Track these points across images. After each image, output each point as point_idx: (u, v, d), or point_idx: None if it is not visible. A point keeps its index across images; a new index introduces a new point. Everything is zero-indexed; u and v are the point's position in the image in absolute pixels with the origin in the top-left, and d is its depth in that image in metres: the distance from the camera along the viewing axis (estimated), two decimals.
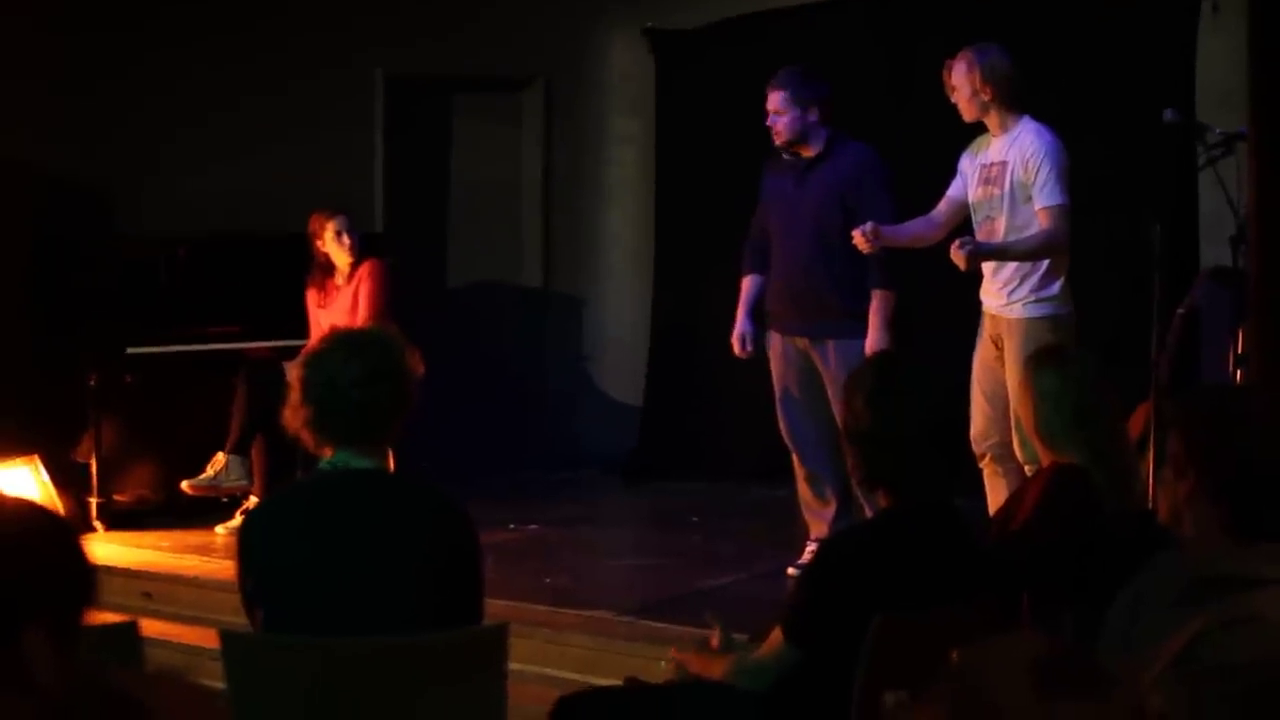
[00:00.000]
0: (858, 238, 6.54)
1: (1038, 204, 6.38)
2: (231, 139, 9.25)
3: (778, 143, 7.03)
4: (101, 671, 2.44)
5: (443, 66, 10.13)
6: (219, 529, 8.22)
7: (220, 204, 9.05)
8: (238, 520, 7.76)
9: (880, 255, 6.74)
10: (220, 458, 8.29)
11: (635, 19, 10.32)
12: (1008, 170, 6.46)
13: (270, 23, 9.48)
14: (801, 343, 7.08)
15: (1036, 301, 6.45)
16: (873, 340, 6.86)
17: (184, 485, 8.30)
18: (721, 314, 7.67)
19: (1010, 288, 6.49)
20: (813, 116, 6.97)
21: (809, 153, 7.02)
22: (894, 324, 6.89)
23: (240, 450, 8.29)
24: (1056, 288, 6.44)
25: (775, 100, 6.98)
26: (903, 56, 8.93)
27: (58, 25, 8.80)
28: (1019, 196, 6.44)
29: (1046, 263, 6.43)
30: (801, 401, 7.08)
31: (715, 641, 4.25)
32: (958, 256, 6.28)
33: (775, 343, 7.19)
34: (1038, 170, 6.37)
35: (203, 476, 8.28)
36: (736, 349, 7.24)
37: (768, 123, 7.00)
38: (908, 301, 7.01)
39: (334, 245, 8.34)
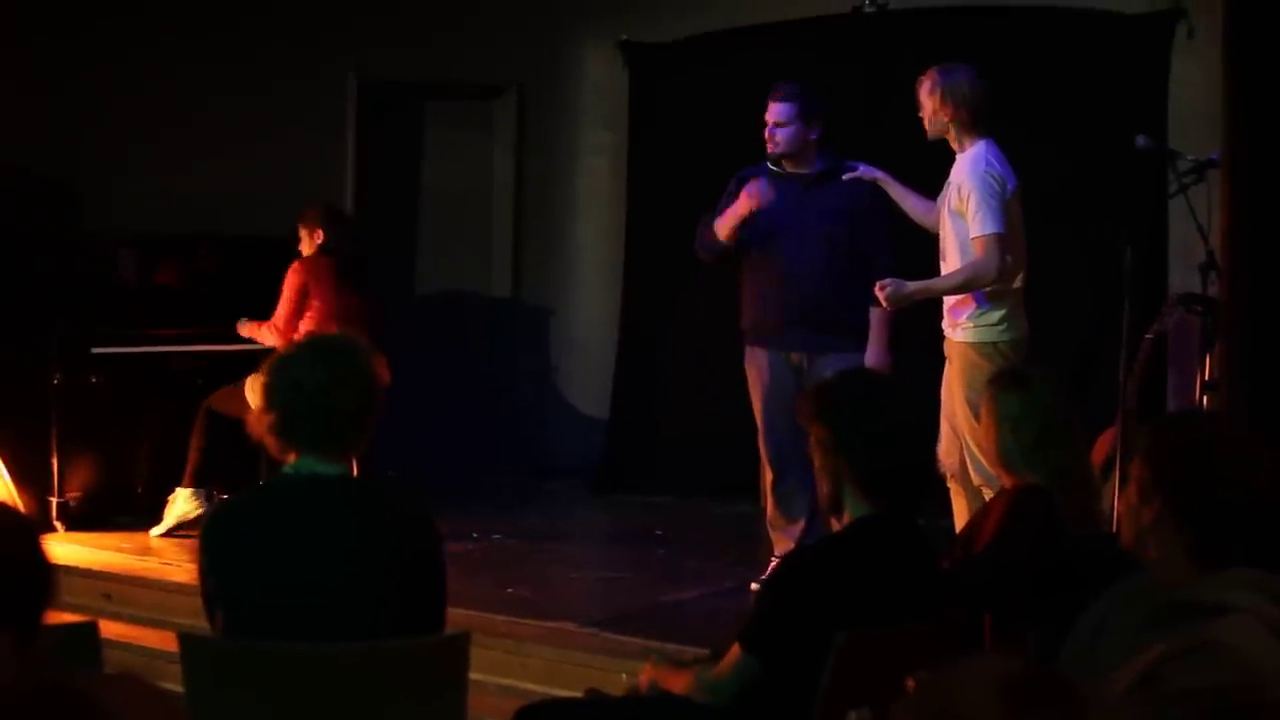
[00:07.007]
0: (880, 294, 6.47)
1: (971, 233, 6.38)
2: (203, 140, 9.22)
3: (772, 151, 6.95)
4: (60, 670, 2.42)
5: (416, 73, 10.11)
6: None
7: (191, 205, 9.01)
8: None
9: (883, 272, 6.69)
10: (176, 493, 8.18)
11: (610, 31, 10.31)
12: (947, 193, 6.48)
13: (245, 25, 9.45)
14: (796, 357, 7.01)
15: (975, 327, 6.43)
16: (873, 354, 6.85)
17: (151, 536, 8.14)
18: (690, 327, 7.64)
19: (951, 310, 6.51)
20: (814, 134, 6.96)
21: (800, 169, 6.99)
22: (894, 340, 6.87)
23: (197, 483, 8.17)
24: (997, 315, 6.41)
25: (780, 112, 6.91)
26: (879, 75, 8.93)
27: (30, 22, 8.76)
28: (956, 223, 6.45)
29: (986, 289, 6.43)
30: (788, 417, 6.88)
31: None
32: (880, 297, 6.37)
33: (761, 359, 7.08)
34: (968, 200, 6.37)
35: (165, 523, 8.14)
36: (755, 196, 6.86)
37: (766, 132, 6.93)
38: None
39: None
